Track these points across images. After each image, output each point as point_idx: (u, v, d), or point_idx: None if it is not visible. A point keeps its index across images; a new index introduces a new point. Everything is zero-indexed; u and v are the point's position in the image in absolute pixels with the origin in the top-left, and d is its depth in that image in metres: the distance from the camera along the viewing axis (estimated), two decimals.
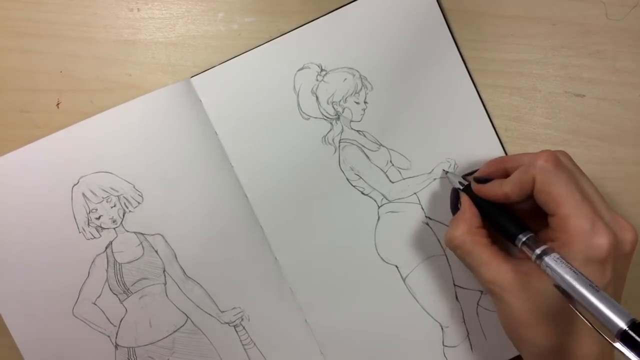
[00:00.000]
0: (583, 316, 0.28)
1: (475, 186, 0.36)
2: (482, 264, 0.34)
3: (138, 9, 0.41)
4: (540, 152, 0.33)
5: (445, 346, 0.41)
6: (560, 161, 0.33)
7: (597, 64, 0.41)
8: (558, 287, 0.29)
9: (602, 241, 0.30)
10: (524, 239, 0.33)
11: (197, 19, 0.41)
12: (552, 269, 0.29)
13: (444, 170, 0.41)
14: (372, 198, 0.41)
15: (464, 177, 0.39)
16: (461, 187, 0.38)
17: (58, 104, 0.40)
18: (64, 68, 0.40)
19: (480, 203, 0.36)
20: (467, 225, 0.35)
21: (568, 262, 0.29)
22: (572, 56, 0.42)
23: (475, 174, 0.38)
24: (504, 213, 0.35)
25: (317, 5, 0.41)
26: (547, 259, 0.30)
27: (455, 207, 0.38)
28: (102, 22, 0.41)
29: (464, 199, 0.37)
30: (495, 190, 0.35)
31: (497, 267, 0.33)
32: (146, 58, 0.41)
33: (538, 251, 0.31)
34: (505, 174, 0.36)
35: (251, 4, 0.41)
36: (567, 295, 0.28)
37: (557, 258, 0.30)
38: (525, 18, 0.41)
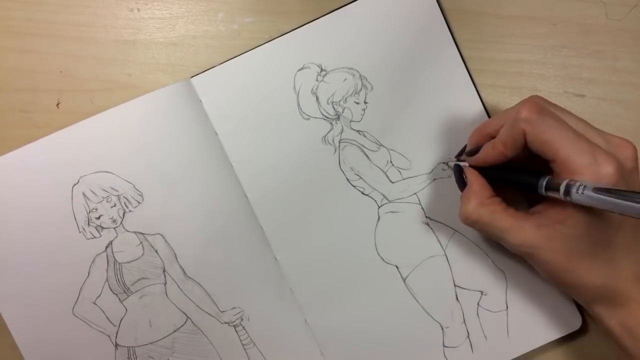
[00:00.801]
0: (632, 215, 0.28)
1: (470, 160, 0.36)
2: (505, 230, 0.34)
3: (138, 9, 0.41)
4: (519, 104, 0.33)
5: (446, 347, 0.41)
6: (542, 106, 0.33)
7: (597, 64, 0.41)
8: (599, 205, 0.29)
9: (607, 169, 0.30)
10: (544, 183, 0.32)
11: (197, 19, 0.41)
12: (585, 194, 0.29)
13: (442, 163, 0.40)
14: (372, 198, 0.41)
15: (458, 158, 0.39)
16: (463, 162, 0.37)
17: (58, 104, 0.40)
18: (64, 68, 0.40)
19: (485, 174, 0.36)
20: (478, 198, 0.35)
21: (596, 184, 0.29)
22: (572, 56, 0.42)
23: (466, 150, 0.38)
24: (512, 171, 0.35)
25: (317, 5, 0.41)
26: (575, 189, 0.30)
27: (462, 184, 0.37)
28: (102, 22, 0.41)
29: (470, 172, 0.36)
30: (490, 152, 0.35)
31: (521, 229, 0.33)
32: (146, 58, 0.41)
33: (563, 186, 0.30)
34: (491, 139, 0.35)
35: (251, 4, 0.41)
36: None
37: (584, 185, 0.29)
38: (525, 18, 0.41)
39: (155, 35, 0.41)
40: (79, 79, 0.40)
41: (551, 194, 0.32)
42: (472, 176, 0.36)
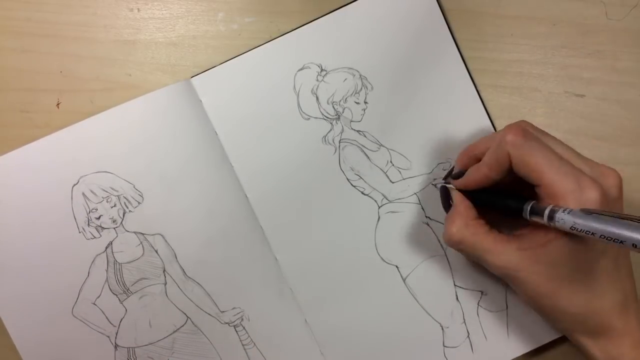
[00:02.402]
0: (615, 242, 0.28)
1: (456, 182, 0.36)
2: (487, 252, 0.34)
3: (138, 9, 0.41)
4: (505, 128, 0.33)
5: (446, 347, 0.41)
6: (528, 131, 0.33)
7: (597, 64, 0.41)
8: (582, 231, 0.29)
9: (591, 195, 0.30)
10: (529, 208, 0.32)
11: (197, 19, 0.41)
12: (569, 220, 0.29)
13: (431, 184, 0.41)
14: (372, 198, 0.41)
15: (445, 180, 0.39)
16: (449, 184, 0.38)
17: (58, 104, 0.40)
18: (64, 68, 0.40)
19: (471, 197, 0.36)
20: (463, 220, 0.35)
21: (580, 209, 0.29)
22: (572, 56, 0.42)
23: (453, 172, 0.38)
24: (498, 195, 0.35)
25: (317, 6, 0.41)
26: (559, 214, 0.30)
27: (447, 205, 0.38)
28: (102, 22, 0.41)
29: (455, 194, 0.37)
30: (475, 175, 0.35)
31: (503, 251, 0.33)
32: (146, 58, 0.41)
33: (547, 211, 0.31)
34: (479, 161, 0.36)
35: (251, 4, 0.41)
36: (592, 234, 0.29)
37: (568, 210, 0.30)
38: (525, 18, 0.42)
39: (155, 35, 0.41)
40: (79, 79, 0.40)
41: (535, 219, 0.32)
42: (457, 198, 0.36)
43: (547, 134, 0.35)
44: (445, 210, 0.38)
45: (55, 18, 0.40)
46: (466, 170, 0.36)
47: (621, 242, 0.27)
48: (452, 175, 0.37)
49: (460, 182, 0.36)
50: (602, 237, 0.28)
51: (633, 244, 0.27)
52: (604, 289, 0.32)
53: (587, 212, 0.29)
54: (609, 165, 0.33)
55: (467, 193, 0.36)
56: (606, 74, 0.41)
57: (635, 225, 0.27)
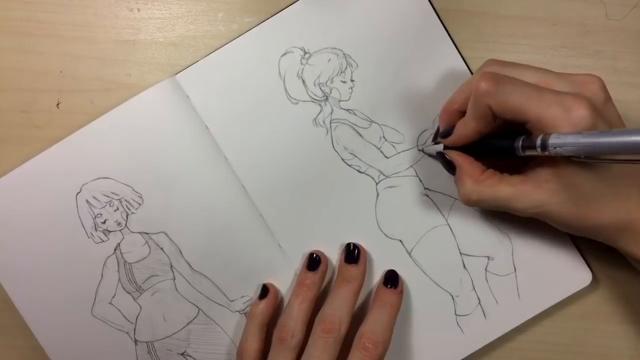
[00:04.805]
0: (616, 160, 0.28)
1: (446, 141, 0.36)
2: (508, 200, 0.34)
3: (138, 9, 0.41)
4: (476, 77, 0.32)
5: (458, 315, 0.41)
6: (497, 75, 0.32)
7: (597, 64, 0.41)
8: (577, 156, 0.29)
9: (580, 112, 0.30)
10: (520, 144, 0.32)
11: (197, 19, 0.41)
12: (563, 144, 0.29)
13: (418, 149, 0.40)
14: (369, 175, 0.41)
15: (435, 141, 0.38)
16: (442, 150, 0.37)
17: (58, 104, 0.40)
18: (64, 68, 0.41)
19: (466, 151, 0.36)
20: (471, 178, 0.35)
21: (568, 132, 0.29)
22: (572, 56, 0.41)
23: (440, 131, 0.37)
24: (488, 142, 0.35)
25: None
26: (552, 140, 0.30)
27: (450, 168, 0.37)
28: (102, 22, 0.41)
29: (453, 154, 0.36)
30: (463, 131, 0.35)
31: (523, 193, 0.33)
32: (146, 58, 0.41)
33: (539, 142, 0.30)
34: (462, 114, 0.35)
35: (251, 4, 0.41)
36: (590, 158, 0.29)
37: (558, 135, 0.29)
38: (525, 18, 0.41)
39: (155, 35, 0.41)
40: (79, 79, 0.41)
41: (530, 152, 0.32)
42: (457, 157, 0.36)
43: (517, 65, 0.34)
44: (451, 173, 0.37)
45: (55, 18, 0.41)
46: (452, 128, 0.35)
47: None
48: (441, 134, 0.37)
49: (451, 140, 0.36)
50: (593, 152, 0.28)
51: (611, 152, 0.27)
52: (628, 192, 0.33)
53: (581, 133, 0.29)
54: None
55: (461, 149, 0.36)
56: (606, 74, 0.39)
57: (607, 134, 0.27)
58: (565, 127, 0.30)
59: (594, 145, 0.28)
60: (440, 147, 0.38)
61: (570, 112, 0.30)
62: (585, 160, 0.30)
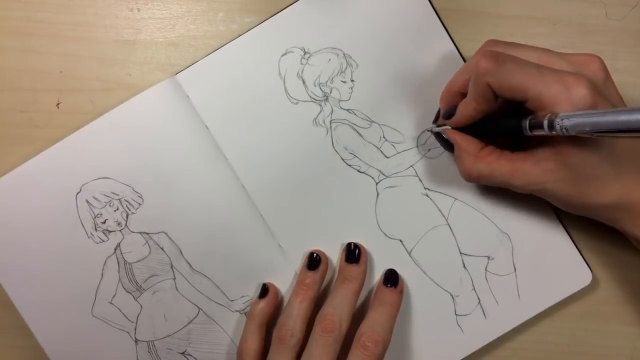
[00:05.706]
0: (621, 137, 0.28)
1: (449, 122, 0.36)
2: (507, 176, 0.34)
3: (138, 9, 0.41)
4: (476, 56, 0.32)
5: (458, 315, 0.41)
6: (498, 53, 0.32)
7: None
8: (587, 131, 0.29)
9: (580, 91, 0.30)
10: (527, 124, 0.32)
11: (197, 19, 0.41)
12: (570, 122, 0.29)
13: (426, 130, 0.40)
14: (369, 175, 0.41)
15: (436, 123, 0.39)
16: (440, 128, 0.37)
17: (58, 104, 0.40)
18: (64, 68, 0.41)
19: (468, 132, 0.36)
20: (470, 155, 0.35)
21: (575, 112, 0.29)
22: None
23: (442, 113, 0.37)
24: (492, 121, 0.35)
25: None
26: (557, 122, 0.29)
27: (449, 146, 0.37)
28: (102, 22, 0.41)
29: (450, 132, 0.36)
30: (465, 112, 0.35)
31: (522, 170, 0.33)
32: (146, 58, 0.41)
33: (546, 122, 0.30)
34: (463, 96, 0.35)
35: (251, 4, 0.41)
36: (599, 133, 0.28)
37: (564, 115, 0.29)
38: (525, 18, 0.41)
39: (155, 35, 0.41)
40: (79, 79, 0.41)
41: (537, 132, 0.31)
42: (454, 135, 0.36)
43: (517, 45, 0.34)
44: (450, 151, 0.37)
45: (55, 18, 0.41)
46: (454, 109, 0.36)
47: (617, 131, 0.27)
48: (443, 116, 0.37)
49: (453, 120, 0.36)
50: (598, 129, 0.28)
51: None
52: (629, 172, 0.33)
53: (586, 112, 0.29)
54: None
55: (463, 129, 0.36)
56: None
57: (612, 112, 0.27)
58: (565, 105, 0.30)
59: (602, 123, 0.27)
60: (438, 129, 0.38)
61: (571, 91, 0.30)
62: (597, 135, 0.29)
